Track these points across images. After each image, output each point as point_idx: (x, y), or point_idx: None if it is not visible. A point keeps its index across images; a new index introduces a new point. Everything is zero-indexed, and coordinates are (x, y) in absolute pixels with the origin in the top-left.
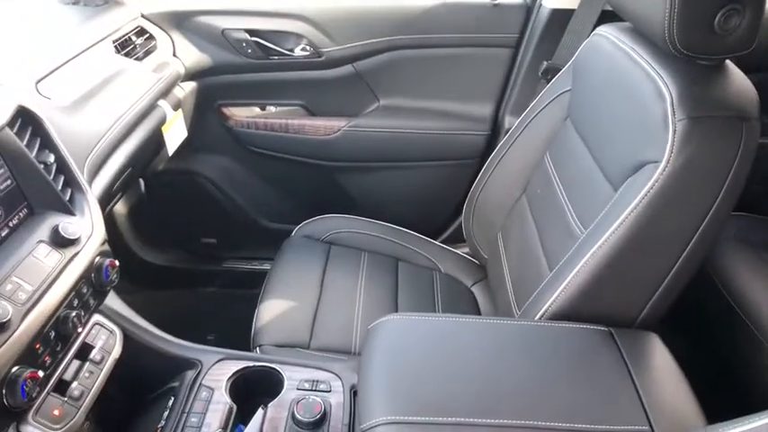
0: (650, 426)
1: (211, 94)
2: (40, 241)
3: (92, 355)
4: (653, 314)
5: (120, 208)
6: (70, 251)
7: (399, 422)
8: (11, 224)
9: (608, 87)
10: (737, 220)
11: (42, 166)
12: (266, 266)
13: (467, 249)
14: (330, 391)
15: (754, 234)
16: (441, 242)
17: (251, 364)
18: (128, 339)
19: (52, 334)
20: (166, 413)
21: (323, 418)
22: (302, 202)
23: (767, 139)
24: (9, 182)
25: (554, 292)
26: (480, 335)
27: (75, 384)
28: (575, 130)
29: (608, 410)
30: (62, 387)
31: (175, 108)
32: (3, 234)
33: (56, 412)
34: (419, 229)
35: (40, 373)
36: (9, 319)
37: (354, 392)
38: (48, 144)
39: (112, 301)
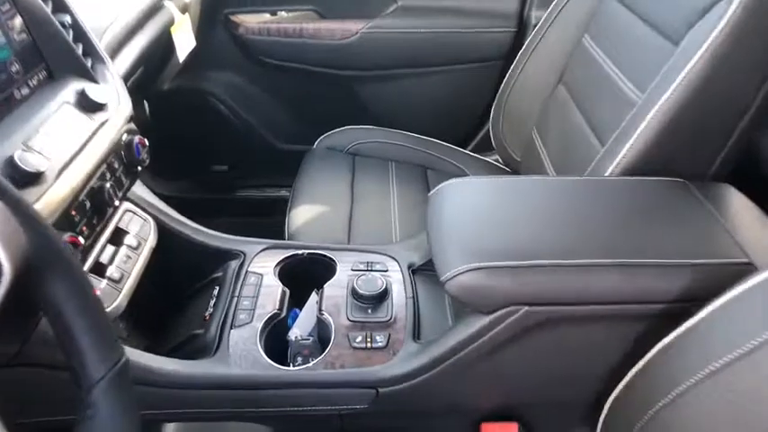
0: (749, 258)
1: (218, 1)
2: (66, 103)
3: (127, 241)
4: (723, 170)
5: None
6: (99, 117)
7: (482, 268)
8: (30, 84)
9: None
10: None
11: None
12: (283, 193)
13: (495, 157)
14: (387, 271)
15: None
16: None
17: (298, 252)
18: (163, 231)
19: (88, 204)
20: (212, 301)
21: (385, 293)
22: (319, 119)
23: None
24: (25, 36)
25: (616, 157)
26: (551, 190)
27: (113, 267)
28: (618, 1)
29: (701, 247)
30: (100, 270)
31: (183, 11)
32: (23, 92)
33: (96, 293)
34: (444, 138)
35: (81, 240)
36: (44, 172)
37: (413, 271)
38: (61, 6)
39: (143, 191)
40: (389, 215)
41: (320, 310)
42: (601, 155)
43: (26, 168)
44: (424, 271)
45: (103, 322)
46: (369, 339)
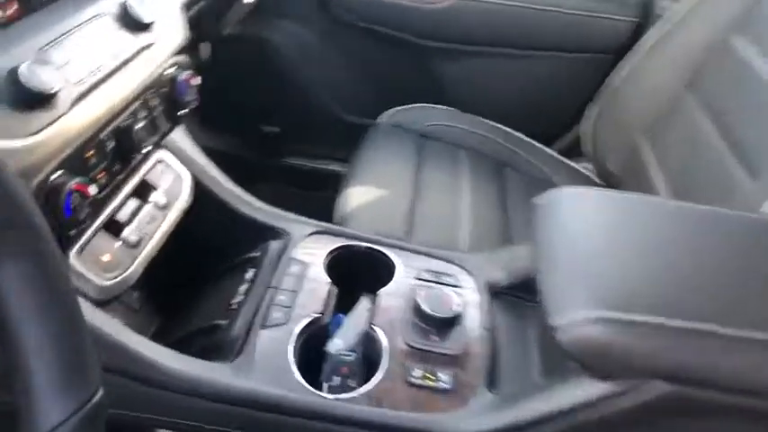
0: None
1: None
2: (103, 14)
3: (154, 197)
4: None
5: None
6: (142, 39)
7: (615, 320)
8: None
9: None
10: None
11: None
12: (334, 167)
13: (584, 164)
14: (460, 287)
15: None
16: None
17: (354, 243)
18: (199, 191)
19: (110, 145)
20: (244, 287)
21: (457, 318)
22: (390, 91)
23: None
24: None
25: None
26: (700, 223)
27: (132, 227)
28: None
29: None
30: (115, 228)
31: None
32: None
33: (106, 257)
34: (528, 133)
35: (92, 190)
36: (56, 94)
37: (494, 292)
38: None
39: (183, 140)
40: (458, 214)
41: (371, 321)
42: (760, 185)
43: (32, 85)
44: (507, 296)
45: (75, 335)
46: (430, 376)
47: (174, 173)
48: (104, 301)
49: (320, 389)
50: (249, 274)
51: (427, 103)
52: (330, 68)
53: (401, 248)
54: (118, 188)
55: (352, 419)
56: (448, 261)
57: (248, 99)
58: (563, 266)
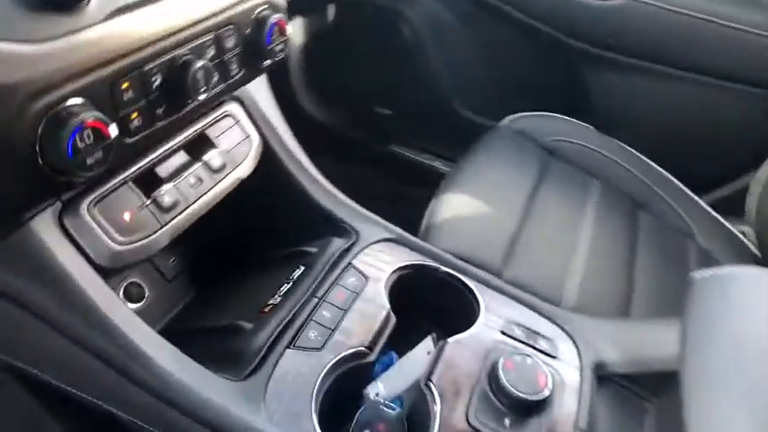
0: None
1: None
2: None
3: (208, 156)
4: None
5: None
6: None
7: None
8: None
9: None
10: None
11: None
12: (438, 164)
13: (743, 229)
14: (557, 359)
15: None
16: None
17: (433, 264)
18: (265, 159)
19: (157, 80)
20: (286, 287)
21: (545, 404)
22: (518, 93)
23: None
24: None
25: None
26: None
27: (168, 187)
28: None
29: None
30: (148, 183)
31: None
32: None
33: (126, 215)
34: (676, 173)
35: (112, 132)
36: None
37: (601, 377)
38: None
39: (263, 97)
40: (570, 257)
41: (429, 374)
42: None
43: None
44: (617, 386)
45: None
46: None
47: (241, 133)
48: (114, 270)
49: None
50: (297, 273)
51: (560, 113)
52: (459, 55)
53: (490, 286)
54: (161, 137)
55: None
56: (547, 318)
57: (365, 74)
58: (723, 385)
